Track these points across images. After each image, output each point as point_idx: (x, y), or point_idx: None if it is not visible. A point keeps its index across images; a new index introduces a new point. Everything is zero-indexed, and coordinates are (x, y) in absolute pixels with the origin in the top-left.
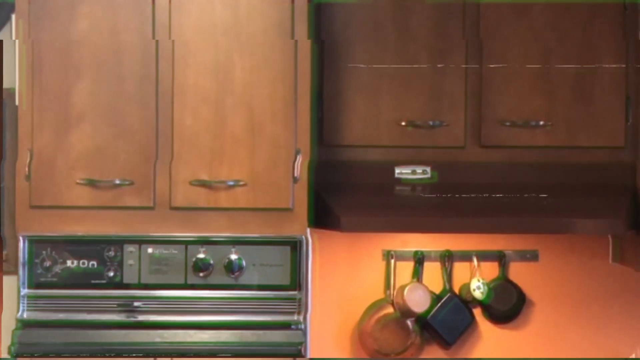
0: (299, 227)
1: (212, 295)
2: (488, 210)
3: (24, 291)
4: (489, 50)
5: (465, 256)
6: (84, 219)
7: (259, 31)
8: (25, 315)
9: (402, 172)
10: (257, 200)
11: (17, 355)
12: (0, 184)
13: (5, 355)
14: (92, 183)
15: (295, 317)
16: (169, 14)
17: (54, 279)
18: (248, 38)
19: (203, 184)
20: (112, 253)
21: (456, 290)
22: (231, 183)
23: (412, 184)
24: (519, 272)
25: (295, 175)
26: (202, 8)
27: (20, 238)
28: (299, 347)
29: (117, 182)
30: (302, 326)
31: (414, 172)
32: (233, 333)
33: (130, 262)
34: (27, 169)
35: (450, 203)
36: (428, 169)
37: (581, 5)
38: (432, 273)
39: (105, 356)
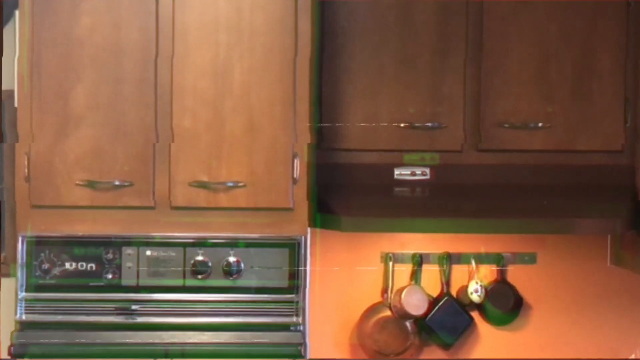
0: (299, 227)
1: (210, 298)
2: (488, 211)
3: (22, 294)
4: (489, 51)
5: (464, 259)
6: (85, 219)
7: (261, 27)
8: (23, 318)
9: (402, 173)
10: (257, 200)
11: (16, 356)
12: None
13: (5, 355)
14: (91, 184)
15: (294, 319)
16: (173, 8)
17: (52, 282)
18: (250, 35)
19: (202, 185)
20: (110, 255)
21: (454, 292)
22: (230, 184)
23: (411, 186)
24: (517, 275)
25: (295, 176)
26: (205, 3)
27: (20, 239)
28: (299, 347)
29: (117, 183)
30: (301, 327)
31: (413, 174)
32: (233, 334)
33: (129, 264)
34: (26, 170)
35: (450, 204)
36: (427, 170)
37: (585, 4)
38: (431, 275)
39: (104, 357)
